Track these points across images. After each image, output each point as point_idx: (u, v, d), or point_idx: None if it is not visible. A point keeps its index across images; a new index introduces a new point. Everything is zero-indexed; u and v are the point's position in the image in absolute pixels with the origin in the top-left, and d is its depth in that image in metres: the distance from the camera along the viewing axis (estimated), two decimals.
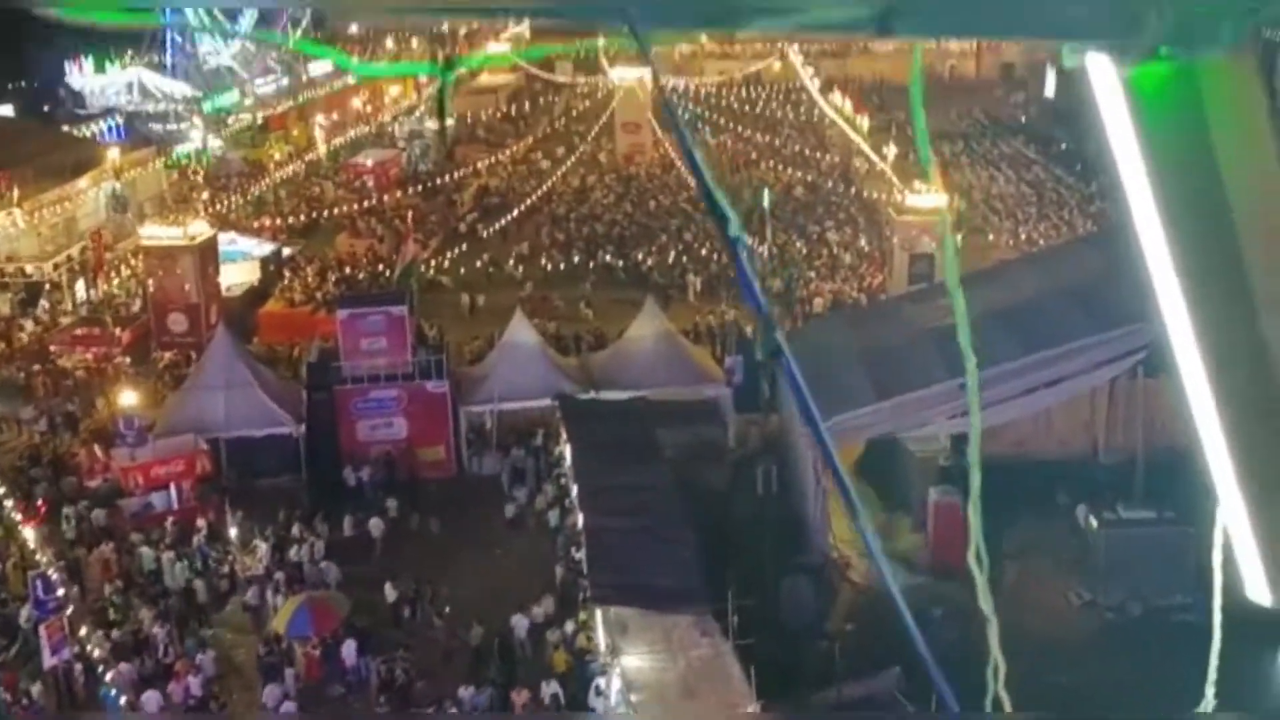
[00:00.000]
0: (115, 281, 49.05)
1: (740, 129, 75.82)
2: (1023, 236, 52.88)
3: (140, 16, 62.12)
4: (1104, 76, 2.52)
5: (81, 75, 79.10)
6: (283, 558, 27.89)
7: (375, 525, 29.13)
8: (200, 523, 29.03)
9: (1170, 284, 2.73)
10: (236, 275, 46.76)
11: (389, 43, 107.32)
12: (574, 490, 27.44)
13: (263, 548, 27.93)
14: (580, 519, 25.85)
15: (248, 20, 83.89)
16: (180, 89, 79.52)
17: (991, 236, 52.79)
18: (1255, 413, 2.84)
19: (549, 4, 2.31)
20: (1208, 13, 2.35)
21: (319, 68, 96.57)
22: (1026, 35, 2.50)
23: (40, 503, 29.96)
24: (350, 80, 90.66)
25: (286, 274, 48.67)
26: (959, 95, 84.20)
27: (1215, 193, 2.54)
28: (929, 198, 42.03)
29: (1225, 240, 2.62)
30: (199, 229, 42.68)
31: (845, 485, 3.21)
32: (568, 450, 29.77)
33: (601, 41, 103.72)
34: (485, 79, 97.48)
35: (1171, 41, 2.37)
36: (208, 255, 42.37)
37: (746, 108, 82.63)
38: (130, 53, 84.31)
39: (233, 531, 28.41)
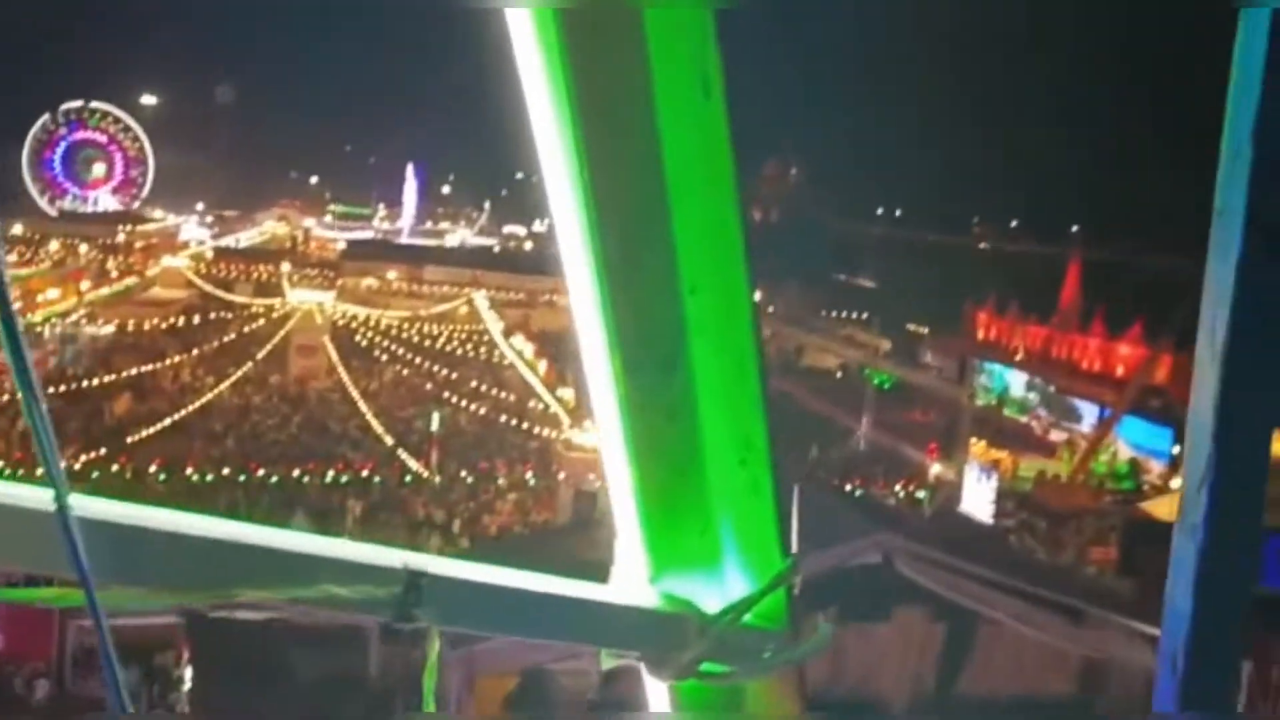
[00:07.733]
0: None
1: (422, 362, 75.46)
2: None
3: None
4: (650, 681, 2.45)
5: None
6: None
7: None
8: None
9: None
10: None
11: (53, 245, 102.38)
12: None
13: None
14: None
15: None
16: None
17: None
18: None
19: None
20: (748, 636, 2.36)
21: None
22: (565, 639, 2.40)
23: None
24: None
25: None
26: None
27: None
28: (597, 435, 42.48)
29: None
30: None
31: None
32: (188, 673, 26.99)
33: (287, 267, 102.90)
34: (157, 292, 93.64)
35: (714, 658, 2.34)
36: None
37: (429, 343, 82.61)
38: None
39: None
